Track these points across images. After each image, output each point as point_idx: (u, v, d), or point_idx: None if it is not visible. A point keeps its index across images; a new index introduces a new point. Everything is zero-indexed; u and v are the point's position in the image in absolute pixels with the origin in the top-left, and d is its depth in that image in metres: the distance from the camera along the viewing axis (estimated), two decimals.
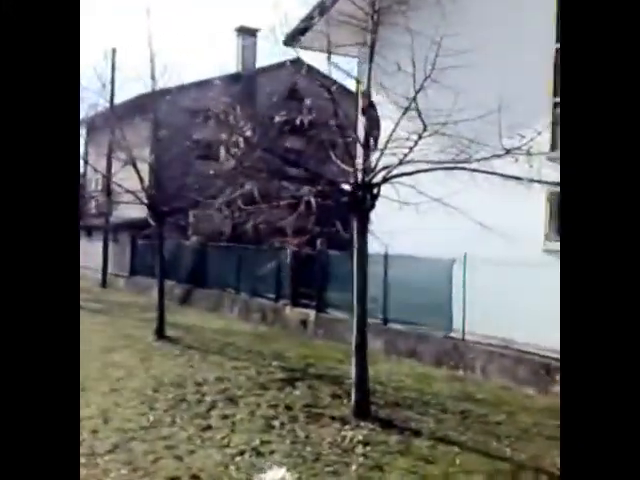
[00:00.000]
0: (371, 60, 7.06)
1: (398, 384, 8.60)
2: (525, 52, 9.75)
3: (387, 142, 6.65)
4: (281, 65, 23.20)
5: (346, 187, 7.03)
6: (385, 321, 11.79)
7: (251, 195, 7.25)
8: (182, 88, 15.52)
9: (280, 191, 7.52)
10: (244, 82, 20.54)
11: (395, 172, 6.64)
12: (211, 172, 9.24)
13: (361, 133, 7.15)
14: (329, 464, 5.47)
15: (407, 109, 6.54)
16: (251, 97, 18.62)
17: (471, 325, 10.01)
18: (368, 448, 5.82)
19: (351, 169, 6.84)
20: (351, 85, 18.02)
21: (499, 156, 6.17)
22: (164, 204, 12.34)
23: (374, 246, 7.79)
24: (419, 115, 5.88)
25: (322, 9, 13.30)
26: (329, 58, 14.51)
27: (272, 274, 15.27)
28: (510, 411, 7.20)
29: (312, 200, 6.94)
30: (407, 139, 6.34)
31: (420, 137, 6.01)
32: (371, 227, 7.20)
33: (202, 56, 43.42)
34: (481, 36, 9.53)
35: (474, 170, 6.43)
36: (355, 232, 6.99)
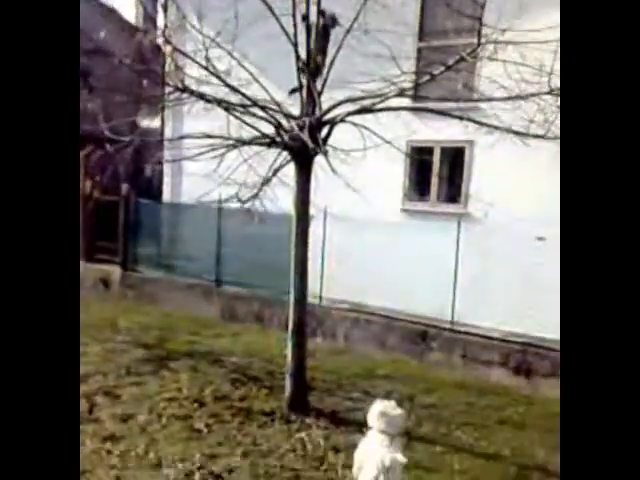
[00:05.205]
0: None
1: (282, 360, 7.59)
2: None
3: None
4: None
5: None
6: (218, 282, 10.52)
7: None
8: None
9: None
10: None
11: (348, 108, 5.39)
12: None
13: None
14: None
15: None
16: None
17: (327, 288, 9.43)
18: (342, 454, 4.85)
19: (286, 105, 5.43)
20: None
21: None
22: None
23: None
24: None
25: None
26: None
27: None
28: (431, 388, 6.79)
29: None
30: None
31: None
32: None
33: None
34: None
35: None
36: (295, 186, 5.69)
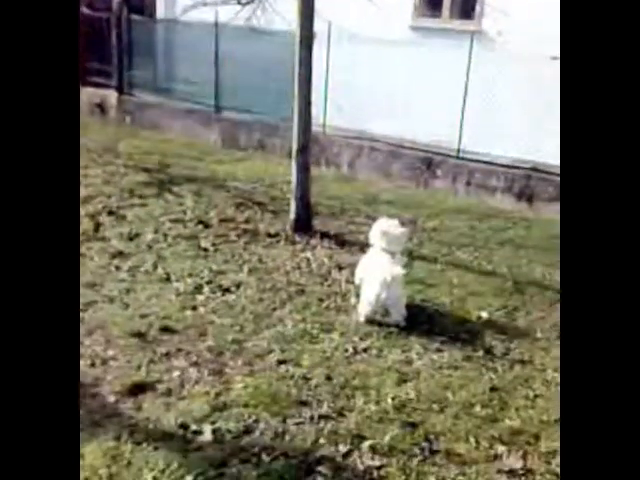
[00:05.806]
0: None
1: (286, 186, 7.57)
2: None
3: None
4: None
5: None
6: (218, 108, 10.21)
7: None
8: None
9: None
10: None
11: None
12: None
13: None
14: (321, 297, 4.55)
15: None
16: None
17: (330, 115, 9.15)
18: (345, 272, 4.99)
19: None
20: None
21: None
22: None
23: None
24: None
25: None
26: None
27: None
28: (434, 213, 6.84)
29: None
30: None
31: None
32: None
33: None
34: None
35: None
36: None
